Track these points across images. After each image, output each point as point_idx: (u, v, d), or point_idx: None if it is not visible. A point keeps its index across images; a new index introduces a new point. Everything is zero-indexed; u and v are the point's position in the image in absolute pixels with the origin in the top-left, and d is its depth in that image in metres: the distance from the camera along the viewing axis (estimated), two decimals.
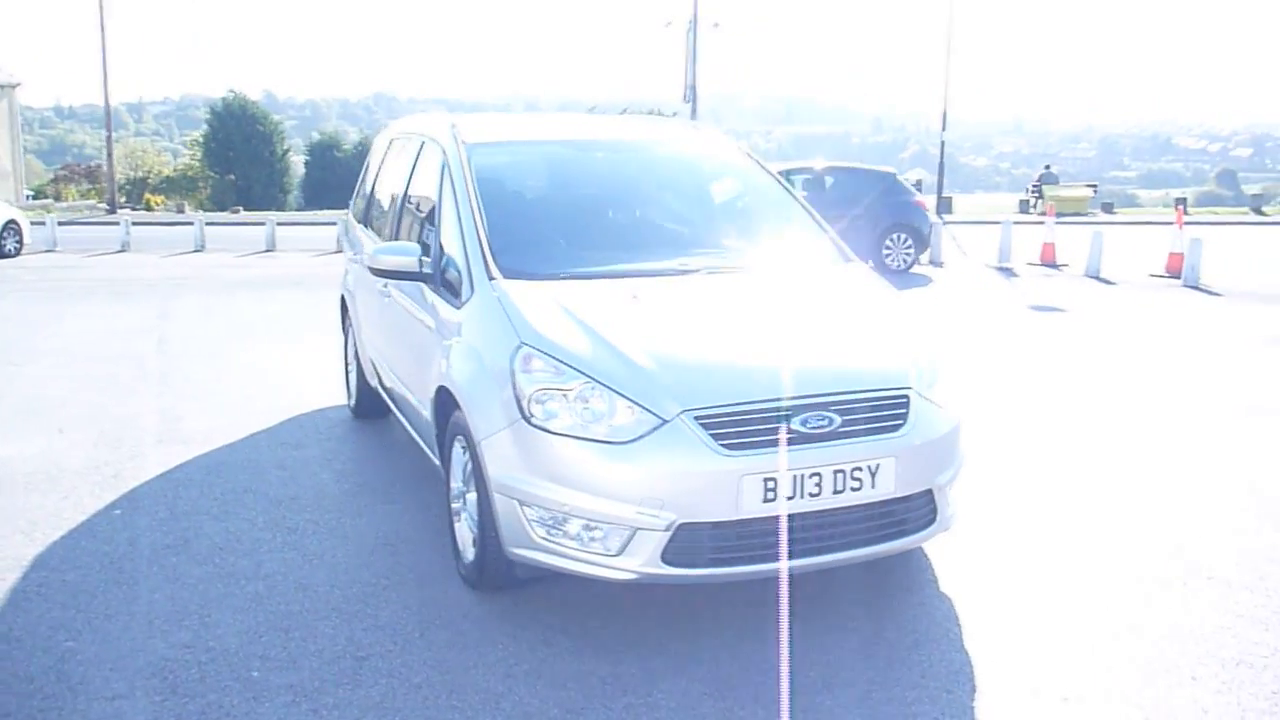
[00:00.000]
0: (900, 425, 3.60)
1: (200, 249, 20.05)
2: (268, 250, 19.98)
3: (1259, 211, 30.66)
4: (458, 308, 4.12)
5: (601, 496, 3.39)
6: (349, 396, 6.84)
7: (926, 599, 3.94)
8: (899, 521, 3.65)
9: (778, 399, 3.46)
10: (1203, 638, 3.62)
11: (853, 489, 3.48)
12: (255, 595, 3.97)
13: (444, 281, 4.32)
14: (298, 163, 55.77)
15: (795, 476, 3.40)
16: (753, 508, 3.38)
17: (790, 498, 3.40)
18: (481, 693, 3.25)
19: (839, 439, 3.48)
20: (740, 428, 3.41)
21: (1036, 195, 31.95)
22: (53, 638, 3.62)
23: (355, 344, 6.35)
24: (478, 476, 3.75)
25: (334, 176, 45.81)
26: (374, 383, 6.07)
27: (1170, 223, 17.28)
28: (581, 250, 4.43)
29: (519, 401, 3.57)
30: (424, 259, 4.42)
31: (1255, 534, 4.62)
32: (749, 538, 3.43)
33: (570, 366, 3.54)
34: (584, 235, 4.59)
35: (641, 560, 3.40)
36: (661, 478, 3.36)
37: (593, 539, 3.45)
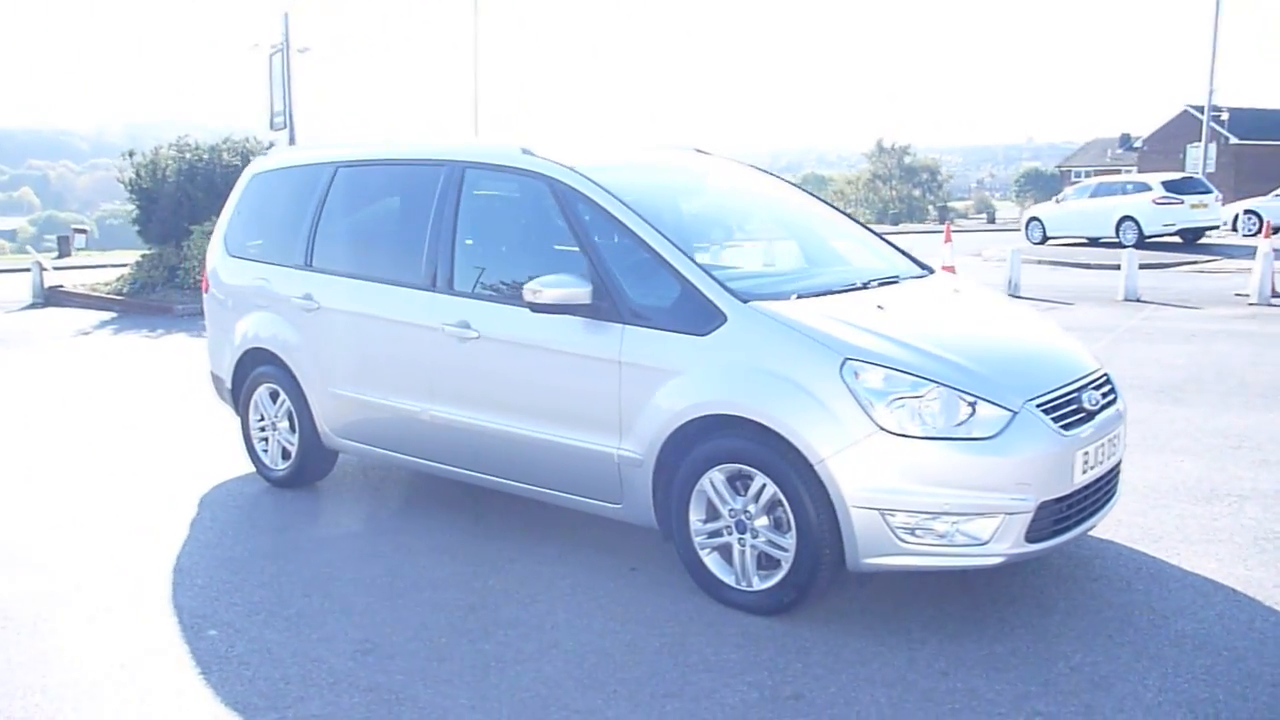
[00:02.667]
0: (1116, 399, 4.29)
1: None
2: None
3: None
4: (702, 335, 3.98)
5: (978, 490, 3.63)
6: (265, 467, 5.84)
7: (1126, 553, 4.64)
8: (1116, 485, 4.32)
9: (1075, 380, 4.00)
10: None
11: (1110, 456, 4.10)
12: (575, 674, 3.51)
13: (634, 312, 4.14)
14: None
15: (1095, 448, 3.94)
16: (1078, 479, 3.84)
17: (1092, 468, 3.93)
18: (928, 693, 3.34)
19: (1104, 412, 4.08)
20: (1064, 409, 3.86)
21: None
22: None
23: (301, 402, 5.46)
24: (799, 497, 3.71)
25: None
26: (338, 442, 5.36)
27: None
28: (761, 268, 4.48)
29: (868, 413, 3.65)
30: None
31: None
32: (1071, 507, 3.87)
33: (912, 374, 3.70)
34: (739, 253, 4.63)
35: (1010, 543, 3.69)
36: (1025, 464, 3.68)
37: (960, 533, 3.66)
